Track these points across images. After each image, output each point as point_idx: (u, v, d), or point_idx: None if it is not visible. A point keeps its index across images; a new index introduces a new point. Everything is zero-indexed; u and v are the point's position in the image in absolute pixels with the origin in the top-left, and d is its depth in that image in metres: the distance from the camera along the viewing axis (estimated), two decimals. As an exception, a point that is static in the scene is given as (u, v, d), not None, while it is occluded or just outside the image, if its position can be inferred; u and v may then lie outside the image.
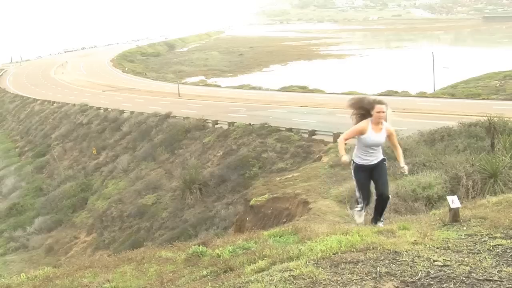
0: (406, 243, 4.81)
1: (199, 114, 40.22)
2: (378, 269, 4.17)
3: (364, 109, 6.65)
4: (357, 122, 6.68)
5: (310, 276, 4.16)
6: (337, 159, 20.25)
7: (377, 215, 6.81)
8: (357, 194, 6.91)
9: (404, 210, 11.89)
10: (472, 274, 3.96)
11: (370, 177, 6.75)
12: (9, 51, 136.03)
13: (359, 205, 6.83)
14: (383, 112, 6.49)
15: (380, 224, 6.52)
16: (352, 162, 6.81)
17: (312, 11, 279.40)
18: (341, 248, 4.77)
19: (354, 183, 6.95)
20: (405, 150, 17.62)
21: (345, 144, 6.66)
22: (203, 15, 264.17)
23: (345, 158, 6.70)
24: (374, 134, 6.54)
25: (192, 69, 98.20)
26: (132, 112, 47.96)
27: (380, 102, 6.58)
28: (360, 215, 6.86)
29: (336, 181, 17.78)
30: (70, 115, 55.86)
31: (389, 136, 6.66)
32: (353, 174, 6.86)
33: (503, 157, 13.82)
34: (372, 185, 6.81)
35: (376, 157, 6.70)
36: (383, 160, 6.79)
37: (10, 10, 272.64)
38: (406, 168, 6.78)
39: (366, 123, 6.58)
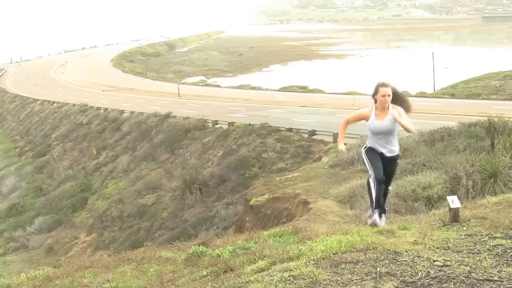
0: (406, 243, 4.80)
1: (199, 114, 40.23)
2: (378, 269, 4.16)
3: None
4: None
5: (310, 276, 4.16)
6: (337, 159, 20.23)
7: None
8: (371, 172, 6.11)
9: (404, 210, 11.86)
10: (472, 274, 3.95)
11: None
12: (9, 51, 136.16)
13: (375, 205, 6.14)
14: (389, 95, 5.90)
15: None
16: (364, 147, 6.37)
17: (312, 11, 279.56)
18: (341, 248, 4.76)
19: (365, 161, 6.23)
20: (405, 150, 17.63)
21: (345, 137, 6.40)
22: (203, 15, 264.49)
23: (341, 146, 6.63)
24: (376, 122, 6.03)
25: (192, 69, 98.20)
26: (132, 112, 47.97)
27: (384, 85, 5.97)
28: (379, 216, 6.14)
29: (336, 181, 17.75)
30: (70, 115, 55.85)
31: (396, 119, 5.89)
32: (364, 156, 6.23)
33: (503, 157, 13.80)
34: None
35: (388, 150, 6.14)
36: (397, 156, 6.28)
37: (10, 10, 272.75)
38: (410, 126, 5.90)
39: (369, 109, 6.13)
